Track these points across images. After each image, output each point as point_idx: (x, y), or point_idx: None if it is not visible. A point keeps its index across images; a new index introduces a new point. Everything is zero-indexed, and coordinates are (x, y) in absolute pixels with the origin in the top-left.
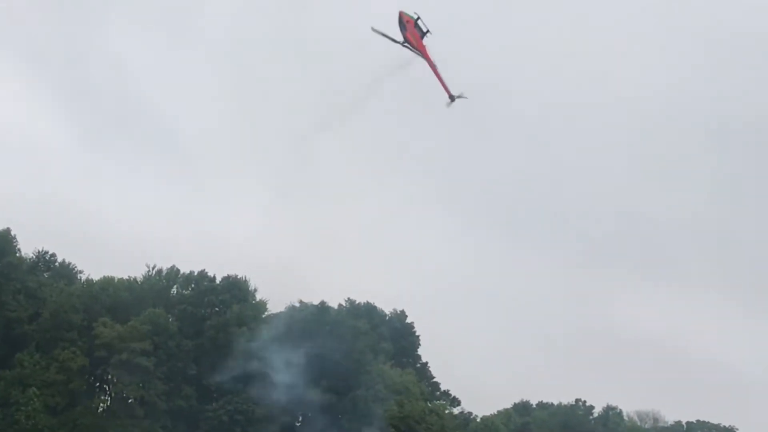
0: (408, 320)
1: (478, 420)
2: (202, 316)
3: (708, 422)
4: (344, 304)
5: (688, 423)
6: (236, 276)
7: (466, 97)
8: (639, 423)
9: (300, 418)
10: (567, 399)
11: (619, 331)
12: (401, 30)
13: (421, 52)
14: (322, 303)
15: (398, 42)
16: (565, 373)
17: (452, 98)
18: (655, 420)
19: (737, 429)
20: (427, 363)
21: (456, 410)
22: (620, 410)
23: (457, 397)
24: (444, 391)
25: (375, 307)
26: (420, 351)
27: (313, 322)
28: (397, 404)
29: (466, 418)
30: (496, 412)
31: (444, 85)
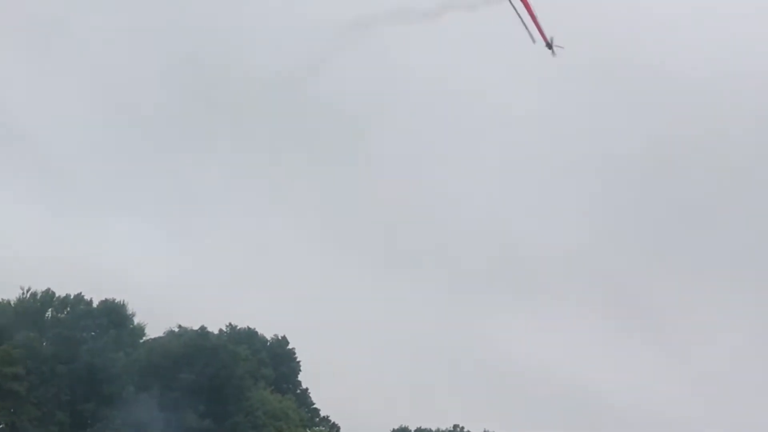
0: (289, 346)
1: None
2: (78, 340)
3: None
4: (225, 329)
5: None
6: (113, 300)
7: (561, 47)
8: None
9: None
10: (445, 425)
11: (496, 357)
12: None
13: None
14: (202, 328)
15: None
16: (443, 398)
17: (549, 46)
18: None
19: None
20: (307, 389)
21: None
22: None
23: (336, 423)
24: (324, 417)
25: (256, 333)
26: (300, 377)
27: (192, 347)
28: (276, 430)
29: None
30: None
31: (540, 31)
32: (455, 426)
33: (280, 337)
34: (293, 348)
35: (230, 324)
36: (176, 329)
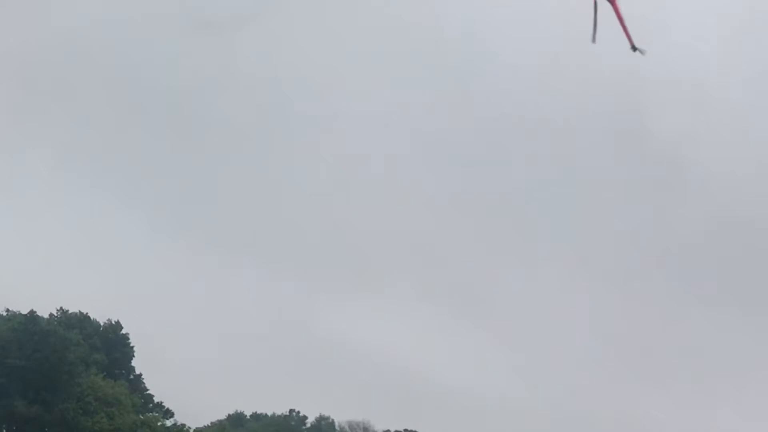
0: (122, 331)
1: None
2: None
3: (415, 431)
4: (56, 314)
5: None
6: None
7: (643, 53)
8: None
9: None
10: (281, 409)
11: (331, 342)
12: None
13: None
14: (31, 312)
15: None
16: (279, 383)
17: (634, 48)
18: (365, 430)
19: None
20: (141, 375)
21: (169, 422)
22: (332, 420)
23: (170, 409)
24: (157, 403)
25: (88, 317)
26: (134, 363)
27: (20, 332)
28: (107, 417)
29: (179, 430)
30: (209, 424)
31: (627, 34)
32: (291, 410)
33: (113, 322)
34: (126, 333)
35: (61, 308)
36: (4, 313)
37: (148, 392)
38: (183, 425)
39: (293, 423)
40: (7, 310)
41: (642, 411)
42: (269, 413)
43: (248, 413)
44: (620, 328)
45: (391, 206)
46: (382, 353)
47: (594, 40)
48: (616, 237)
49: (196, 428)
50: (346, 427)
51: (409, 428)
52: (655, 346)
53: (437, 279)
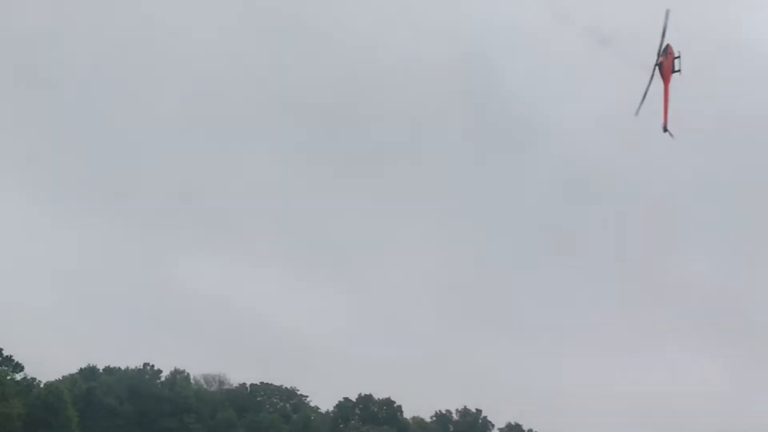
0: None
1: (42, 386)
2: None
3: (271, 384)
4: None
5: (252, 385)
6: None
7: (672, 136)
8: (205, 386)
9: None
10: (135, 363)
11: (185, 295)
12: (662, 54)
13: (666, 80)
14: None
15: (655, 63)
16: (132, 337)
17: (665, 129)
18: (221, 383)
19: (298, 389)
20: None
21: (18, 376)
22: (188, 374)
23: (20, 362)
24: (6, 356)
25: None
26: None
27: None
28: None
29: (29, 384)
30: (61, 378)
31: (666, 114)
32: (145, 364)
33: None
34: None
35: None
36: None
37: None
38: (33, 379)
39: (147, 377)
40: None
41: (484, 354)
42: (123, 367)
43: (101, 367)
44: (467, 280)
45: (245, 160)
46: (236, 306)
47: (637, 113)
48: (469, 195)
49: (47, 382)
50: (201, 381)
51: (264, 381)
52: (498, 296)
53: (292, 233)
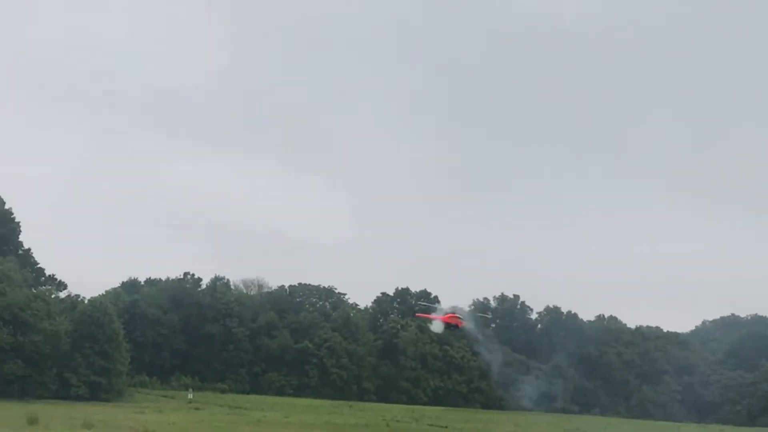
0: (6, 206)
1: (86, 302)
2: None
3: (309, 284)
4: None
5: (290, 286)
6: None
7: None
8: (245, 290)
9: None
10: (175, 273)
11: (207, 209)
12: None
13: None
14: None
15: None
16: (171, 248)
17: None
18: (260, 286)
19: (336, 288)
20: (29, 249)
21: (63, 294)
22: (227, 279)
23: (63, 281)
24: (50, 276)
25: None
26: (22, 237)
27: None
28: None
29: (74, 301)
30: (104, 293)
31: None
32: (185, 273)
33: None
34: (10, 208)
35: None
36: None
37: (39, 266)
38: (78, 296)
39: (188, 286)
40: None
41: (469, 239)
42: (164, 278)
43: (142, 279)
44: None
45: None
46: (263, 214)
47: None
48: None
49: (91, 298)
50: (241, 285)
51: (302, 282)
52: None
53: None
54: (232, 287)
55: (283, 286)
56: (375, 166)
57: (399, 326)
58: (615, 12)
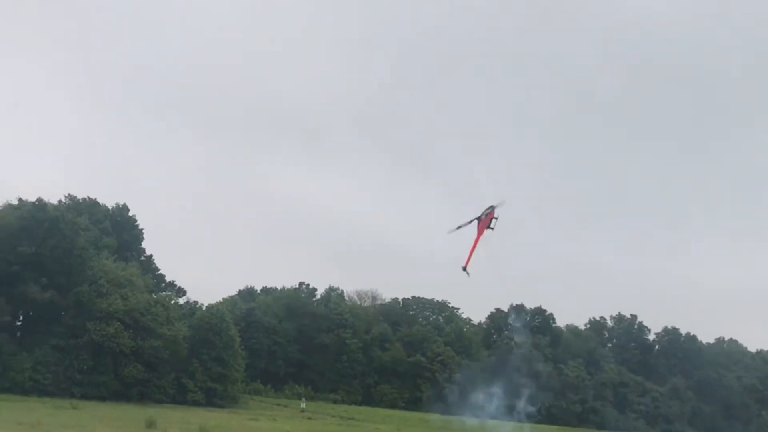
0: (130, 213)
1: (204, 309)
2: None
3: (422, 297)
4: (64, 201)
5: (404, 299)
6: None
7: (468, 274)
8: (359, 302)
9: (21, 317)
10: (291, 283)
11: (328, 217)
12: (482, 214)
13: (478, 234)
14: (39, 200)
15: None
16: (287, 258)
17: (465, 269)
18: (374, 298)
19: (449, 302)
20: (151, 256)
21: (182, 300)
22: (342, 290)
23: (182, 287)
24: (169, 282)
25: (97, 203)
26: (144, 244)
27: (29, 220)
28: (121, 297)
29: (192, 308)
30: (221, 300)
31: (469, 258)
32: (300, 283)
33: (121, 205)
34: (134, 215)
35: (69, 195)
36: (15, 203)
37: (159, 272)
38: (196, 302)
39: (303, 295)
40: (19, 200)
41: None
42: (279, 287)
43: (259, 288)
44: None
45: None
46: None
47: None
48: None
49: (209, 304)
50: (355, 297)
51: (416, 295)
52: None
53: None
54: (346, 298)
55: (396, 298)
56: (490, 182)
57: (513, 343)
58: None
